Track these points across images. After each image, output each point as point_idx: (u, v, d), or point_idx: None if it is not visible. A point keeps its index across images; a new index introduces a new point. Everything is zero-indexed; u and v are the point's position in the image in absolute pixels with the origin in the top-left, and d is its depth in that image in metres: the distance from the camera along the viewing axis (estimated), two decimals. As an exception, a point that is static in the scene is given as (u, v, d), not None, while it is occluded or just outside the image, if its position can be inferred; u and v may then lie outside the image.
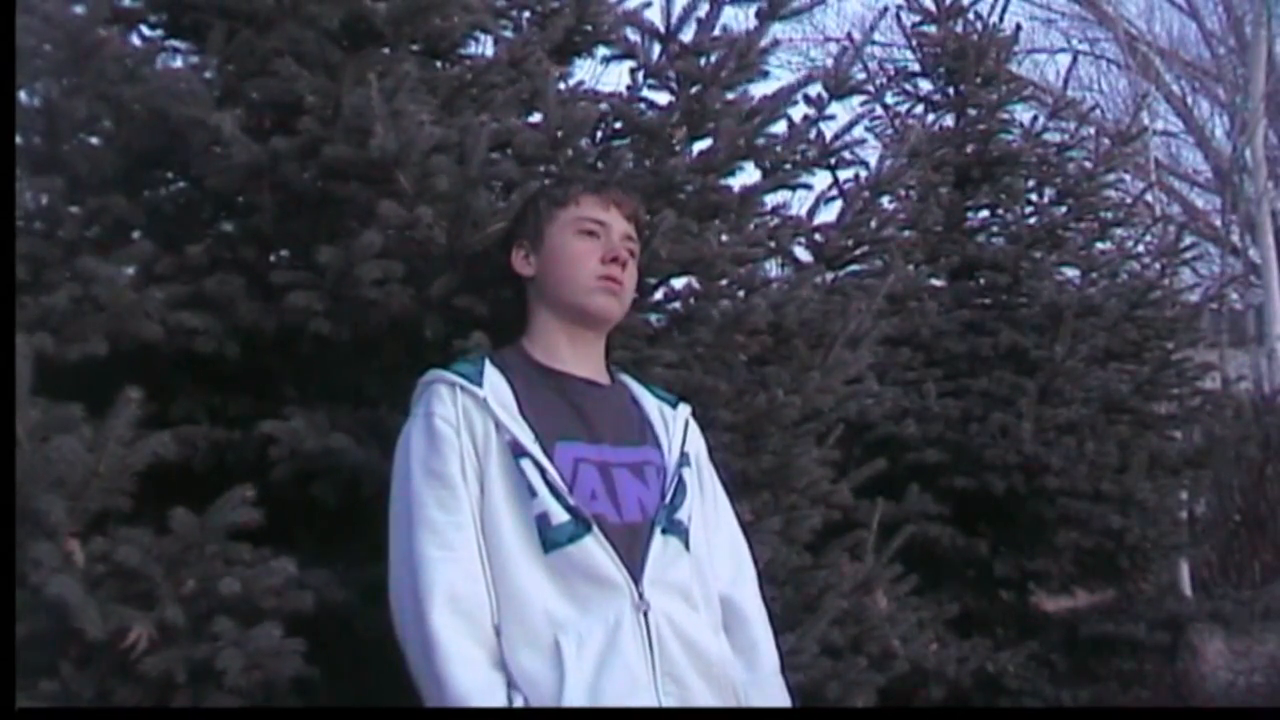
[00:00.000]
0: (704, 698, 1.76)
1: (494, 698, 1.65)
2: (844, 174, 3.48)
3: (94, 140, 2.29)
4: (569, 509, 1.74)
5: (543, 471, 1.76)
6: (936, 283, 5.25)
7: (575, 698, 1.66)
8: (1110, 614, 4.89)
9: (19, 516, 1.78)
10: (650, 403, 1.99)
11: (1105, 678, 4.65)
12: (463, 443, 1.76)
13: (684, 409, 2.02)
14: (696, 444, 2.00)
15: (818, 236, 3.20)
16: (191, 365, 2.21)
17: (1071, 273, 5.49)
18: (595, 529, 1.75)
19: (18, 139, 2.18)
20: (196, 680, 1.85)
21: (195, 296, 2.14)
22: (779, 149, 2.83)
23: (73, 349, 2.00)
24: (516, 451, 1.76)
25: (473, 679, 1.66)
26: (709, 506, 1.96)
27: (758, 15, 2.86)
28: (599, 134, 2.71)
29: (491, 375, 1.83)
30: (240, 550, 1.93)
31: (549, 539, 1.74)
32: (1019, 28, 6.08)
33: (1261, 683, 4.74)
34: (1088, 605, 5.15)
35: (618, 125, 2.74)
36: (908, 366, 4.62)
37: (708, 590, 1.88)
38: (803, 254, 3.30)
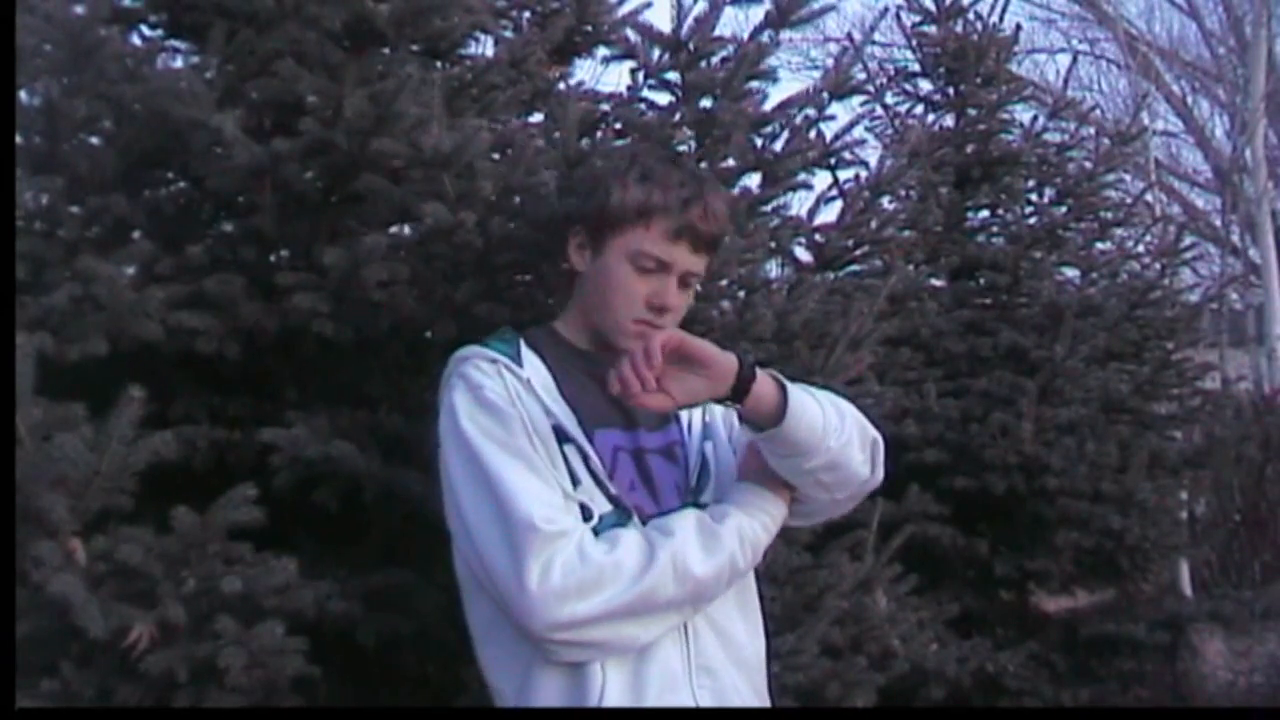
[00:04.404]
0: (736, 687, 1.72)
1: None
2: (844, 174, 3.48)
3: (94, 140, 2.28)
4: (610, 499, 1.70)
5: (585, 459, 1.70)
6: (936, 283, 5.26)
7: (614, 696, 1.62)
8: (1110, 614, 4.90)
9: (21, 515, 1.78)
10: None
11: (1105, 678, 4.65)
12: (519, 412, 1.67)
13: None
14: (713, 408, 1.90)
15: (818, 237, 3.20)
16: (191, 365, 2.21)
17: (1071, 273, 5.50)
18: (635, 520, 1.70)
19: (18, 139, 2.18)
20: (198, 679, 1.85)
21: (195, 296, 2.13)
22: (783, 153, 2.83)
23: (73, 349, 1.99)
24: (561, 437, 1.69)
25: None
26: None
27: (767, 23, 2.85)
28: (599, 134, 2.71)
29: (529, 356, 1.76)
30: (241, 549, 1.93)
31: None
32: (1019, 28, 6.08)
33: (1261, 683, 4.75)
34: (1088, 605, 5.16)
35: (618, 126, 2.74)
36: (908, 366, 4.62)
37: None
38: (803, 254, 3.29)
